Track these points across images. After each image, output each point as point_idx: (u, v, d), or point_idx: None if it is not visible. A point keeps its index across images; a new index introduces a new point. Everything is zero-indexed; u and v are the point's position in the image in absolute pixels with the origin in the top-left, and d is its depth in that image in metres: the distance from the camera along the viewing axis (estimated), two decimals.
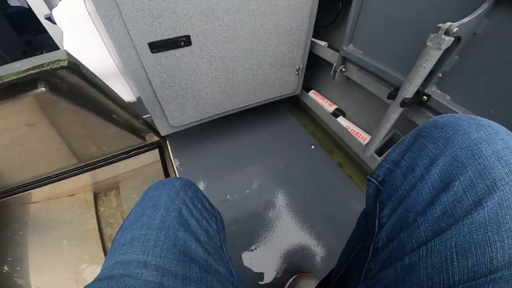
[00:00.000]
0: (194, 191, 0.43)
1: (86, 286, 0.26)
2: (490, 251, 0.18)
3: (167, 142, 1.07)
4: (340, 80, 0.79)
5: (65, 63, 0.39)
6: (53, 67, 0.39)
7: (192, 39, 0.68)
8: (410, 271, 0.21)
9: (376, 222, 0.28)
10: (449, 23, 0.45)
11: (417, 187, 0.24)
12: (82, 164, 0.92)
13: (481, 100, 0.49)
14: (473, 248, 0.18)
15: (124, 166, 1.03)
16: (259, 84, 0.88)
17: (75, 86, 0.54)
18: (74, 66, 0.41)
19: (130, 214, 0.38)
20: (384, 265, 0.25)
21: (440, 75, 0.51)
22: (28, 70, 0.38)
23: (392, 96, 0.55)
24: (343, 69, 0.76)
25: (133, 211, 0.38)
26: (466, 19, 0.44)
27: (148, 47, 0.64)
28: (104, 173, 1.01)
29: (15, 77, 0.38)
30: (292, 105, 1.26)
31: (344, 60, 0.76)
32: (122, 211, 1.02)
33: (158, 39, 0.64)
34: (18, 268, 0.82)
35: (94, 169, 0.95)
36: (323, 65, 0.96)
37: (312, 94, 1.05)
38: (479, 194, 0.20)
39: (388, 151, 0.73)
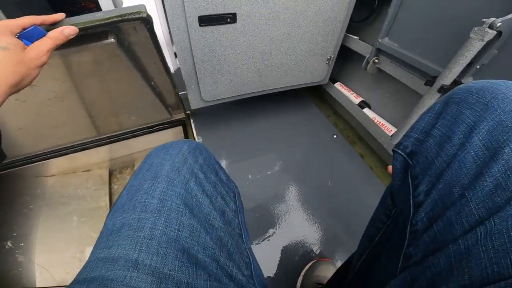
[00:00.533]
0: (206, 157, 0.34)
1: None
2: None
3: (191, 121, 1.10)
4: (372, 71, 0.82)
5: (144, 15, 0.43)
6: (134, 16, 0.42)
7: (237, 17, 0.71)
8: (466, 256, 0.18)
9: (411, 200, 0.25)
10: (493, 18, 0.48)
11: (458, 157, 0.21)
12: (104, 136, 0.93)
13: None
14: None
15: (143, 143, 1.04)
16: (291, 68, 0.91)
17: (133, 45, 0.57)
18: (150, 19, 0.45)
19: (124, 190, 0.29)
20: (428, 250, 0.21)
21: (478, 67, 0.55)
22: (111, 17, 0.42)
23: (430, 82, 0.58)
24: (376, 61, 0.79)
25: (128, 185, 0.29)
26: (509, 16, 0.48)
27: (197, 20, 0.67)
28: (122, 149, 1.02)
29: (99, 23, 0.41)
30: (316, 96, 1.29)
31: (378, 52, 0.79)
32: None
33: (208, 13, 0.67)
34: (22, 244, 0.79)
35: (117, 141, 0.96)
36: (352, 58, 1.00)
37: (338, 85, 1.08)
38: None
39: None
